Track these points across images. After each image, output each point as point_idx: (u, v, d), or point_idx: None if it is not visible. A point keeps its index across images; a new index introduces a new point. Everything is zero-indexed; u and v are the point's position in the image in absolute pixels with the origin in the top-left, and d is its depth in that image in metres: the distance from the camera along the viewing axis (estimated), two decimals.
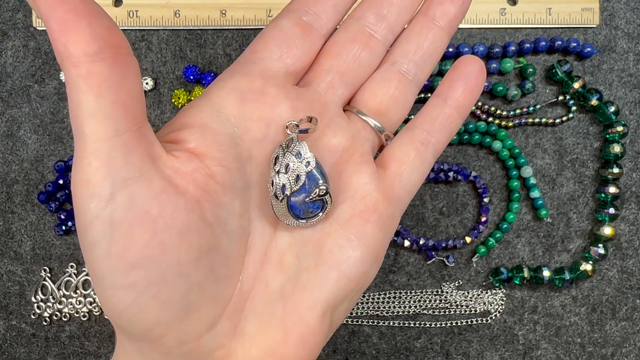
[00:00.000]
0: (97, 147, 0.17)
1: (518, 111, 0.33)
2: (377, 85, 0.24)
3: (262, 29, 0.33)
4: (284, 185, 0.21)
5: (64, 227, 0.34)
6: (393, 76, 0.24)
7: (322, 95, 0.23)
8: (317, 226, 0.22)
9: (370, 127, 0.24)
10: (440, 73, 0.34)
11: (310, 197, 0.21)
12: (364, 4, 0.24)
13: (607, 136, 0.33)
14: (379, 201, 0.23)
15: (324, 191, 0.21)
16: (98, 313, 0.34)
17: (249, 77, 0.22)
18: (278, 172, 0.21)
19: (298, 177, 0.21)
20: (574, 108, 0.34)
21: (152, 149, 0.19)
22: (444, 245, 0.33)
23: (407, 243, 0.33)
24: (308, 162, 0.21)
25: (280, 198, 0.21)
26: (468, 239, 0.33)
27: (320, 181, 0.21)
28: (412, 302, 0.34)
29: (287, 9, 0.24)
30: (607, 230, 0.33)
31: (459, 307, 0.34)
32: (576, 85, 0.33)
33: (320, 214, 0.22)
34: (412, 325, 0.34)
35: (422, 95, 0.34)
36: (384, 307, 0.34)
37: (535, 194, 0.34)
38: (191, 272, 0.19)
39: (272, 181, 0.21)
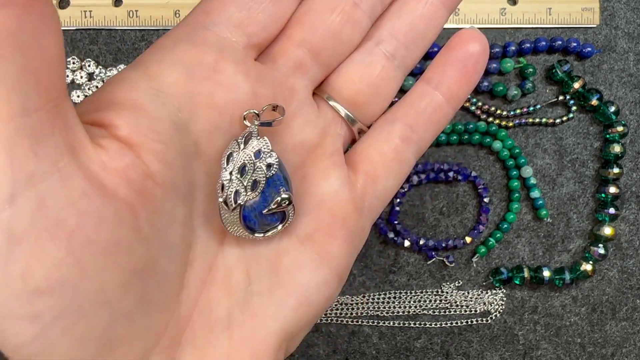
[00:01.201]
0: None
1: (518, 111, 0.33)
2: (355, 69, 0.20)
3: None
4: (237, 192, 0.17)
5: None
6: (376, 60, 0.20)
7: (290, 76, 0.19)
8: (272, 239, 0.18)
9: (342, 119, 0.20)
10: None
11: (269, 208, 0.17)
12: None
13: (607, 136, 0.33)
14: (349, 213, 0.19)
15: (287, 202, 0.17)
16: None
17: (198, 46, 0.17)
18: (231, 174, 0.17)
19: (256, 182, 0.17)
20: (574, 108, 0.34)
21: (73, 135, 0.14)
22: (444, 245, 0.33)
23: (407, 243, 0.33)
24: (269, 165, 0.17)
25: (232, 207, 0.17)
26: (468, 239, 0.33)
27: (283, 189, 0.17)
28: (412, 302, 0.34)
29: None
30: (607, 230, 0.33)
31: (459, 307, 0.34)
32: (576, 85, 0.33)
33: (280, 226, 0.18)
34: (412, 325, 0.34)
35: None
36: (384, 307, 0.34)
37: (535, 194, 0.34)
38: (117, 300, 0.15)
39: (223, 184, 0.17)
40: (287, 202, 0.17)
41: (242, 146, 0.17)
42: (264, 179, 0.17)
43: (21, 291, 0.13)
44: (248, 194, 0.17)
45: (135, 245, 0.15)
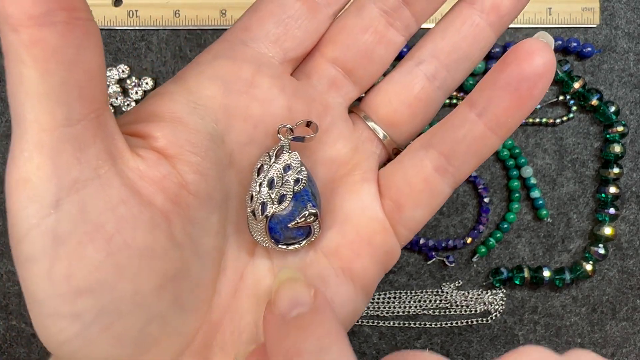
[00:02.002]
0: (41, 138, 0.13)
1: None
2: (393, 89, 0.19)
3: None
4: (264, 203, 0.17)
5: None
6: (416, 80, 0.19)
7: (324, 93, 0.19)
8: (299, 250, 0.18)
9: (377, 138, 0.20)
10: None
11: (296, 222, 0.17)
12: None
13: (608, 136, 0.33)
14: (376, 232, 0.19)
15: (313, 217, 0.17)
16: None
17: (237, 62, 0.18)
18: (260, 186, 0.17)
19: (283, 196, 0.17)
20: (574, 108, 0.33)
21: (113, 143, 0.15)
22: (444, 245, 0.33)
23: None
24: (298, 180, 0.17)
25: (259, 218, 0.17)
26: (468, 239, 0.33)
27: (310, 204, 0.17)
28: (412, 303, 0.34)
29: None
30: (608, 230, 0.33)
31: (459, 307, 0.34)
32: (576, 85, 0.33)
33: (304, 241, 0.18)
34: (412, 325, 0.34)
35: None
36: (384, 308, 0.34)
37: (535, 194, 0.34)
38: (152, 302, 0.15)
39: (252, 195, 0.17)
40: (312, 218, 0.17)
41: (272, 159, 0.17)
42: (292, 193, 0.17)
43: (64, 291, 0.14)
44: (275, 206, 0.17)
45: (169, 251, 0.15)
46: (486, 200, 0.33)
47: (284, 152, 0.17)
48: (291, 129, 0.18)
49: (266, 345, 0.14)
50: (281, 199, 0.17)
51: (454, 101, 0.34)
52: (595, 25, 0.34)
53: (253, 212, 0.17)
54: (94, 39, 0.14)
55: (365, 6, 0.19)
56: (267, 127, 0.18)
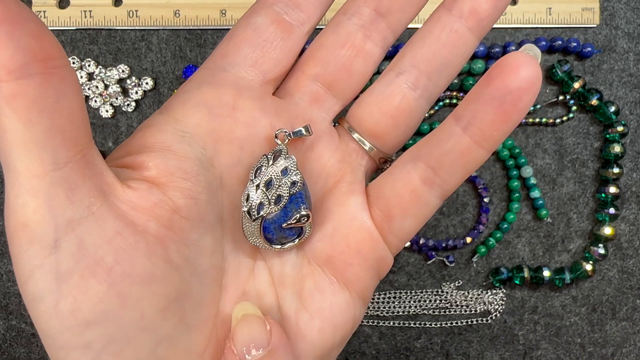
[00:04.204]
0: (33, 184, 0.14)
1: None
2: (374, 101, 0.19)
3: None
4: (261, 204, 0.18)
5: None
6: (396, 91, 0.19)
7: (307, 109, 0.20)
8: (295, 264, 0.19)
9: (363, 149, 0.20)
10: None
11: (289, 222, 0.18)
12: None
13: (608, 136, 0.33)
14: (364, 241, 0.19)
15: (306, 218, 0.18)
16: None
17: (218, 87, 0.18)
18: (257, 187, 0.18)
19: (280, 197, 0.18)
20: (574, 108, 0.33)
21: (102, 180, 0.15)
22: (444, 245, 0.33)
23: (407, 243, 0.33)
24: (294, 182, 0.18)
25: (254, 217, 0.18)
26: (468, 239, 0.33)
27: (303, 206, 0.18)
28: (412, 302, 0.34)
29: (260, 3, 0.19)
30: (608, 230, 0.33)
31: (459, 307, 0.34)
32: (576, 85, 0.33)
33: (297, 239, 0.19)
34: (412, 325, 0.34)
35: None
36: (384, 307, 0.34)
37: (535, 194, 0.34)
38: (158, 325, 0.16)
39: (248, 195, 0.18)
40: (306, 219, 0.18)
41: (270, 162, 0.18)
42: (288, 195, 0.18)
43: (72, 324, 0.15)
44: (271, 207, 0.18)
45: (168, 274, 0.16)
46: (486, 200, 0.33)
47: (281, 155, 0.18)
48: (289, 135, 0.18)
49: None
50: (277, 199, 0.18)
51: (454, 101, 0.34)
52: (595, 25, 0.34)
53: (249, 212, 0.18)
54: (71, 84, 0.14)
55: (341, 22, 0.19)
56: (253, 147, 0.18)
